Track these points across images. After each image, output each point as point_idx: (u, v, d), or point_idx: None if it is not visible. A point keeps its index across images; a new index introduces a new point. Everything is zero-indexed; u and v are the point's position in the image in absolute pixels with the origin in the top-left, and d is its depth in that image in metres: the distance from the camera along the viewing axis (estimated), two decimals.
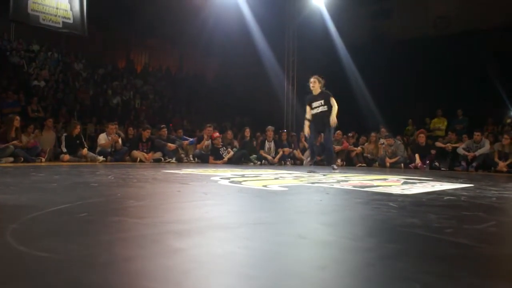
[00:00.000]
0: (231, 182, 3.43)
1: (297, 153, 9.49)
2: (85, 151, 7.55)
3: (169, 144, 8.45)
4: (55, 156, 7.54)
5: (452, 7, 12.72)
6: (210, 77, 18.17)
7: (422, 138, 8.89)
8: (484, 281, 0.97)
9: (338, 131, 9.26)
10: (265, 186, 3.15)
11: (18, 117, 6.99)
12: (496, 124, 10.52)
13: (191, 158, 8.77)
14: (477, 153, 8.01)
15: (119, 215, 1.75)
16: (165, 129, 8.78)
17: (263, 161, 8.85)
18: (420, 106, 11.83)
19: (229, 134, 9.48)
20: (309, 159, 5.97)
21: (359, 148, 9.68)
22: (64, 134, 7.72)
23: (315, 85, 5.76)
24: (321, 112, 5.72)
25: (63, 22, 8.96)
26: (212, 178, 3.84)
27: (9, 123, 6.78)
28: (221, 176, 4.09)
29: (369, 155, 9.49)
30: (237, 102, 15.28)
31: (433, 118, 10.92)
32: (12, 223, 1.41)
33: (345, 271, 1.03)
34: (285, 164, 8.95)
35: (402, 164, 8.60)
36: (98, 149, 7.95)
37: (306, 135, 6.23)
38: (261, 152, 9.01)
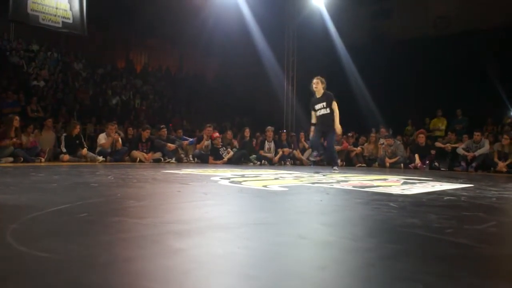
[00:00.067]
0: (231, 182, 3.43)
1: (297, 153, 9.49)
2: (84, 151, 7.54)
3: (169, 144, 8.45)
4: (55, 156, 7.54)
5: (452, 7, 12.72)
6: (210, 77, 18.17)
7: (421, 138, 8.90)
8: (484, 281, 0.97)
9: None
10: (265, 186, 3.15)
11: (17, 117, 6.99)
12: (496, 124, 10.53)
13: (191, 158, 8.76)
14: (477, 153, 8.02)
15: (119, 215, 1.75)
16: (165, 129, 8.78)
17: (263, 161, 8.85)
18: (420, 106, 11.82)
19: (229, 134, 9.49)
20: (315, 153, 5.91)
21: (358, 148, 9.68)
22: (64, 134, 7.72)
23: (318, 86, 5.76)
24: (323, 115, 5.71)
25: (62, 22, 8.95)
26: (212, 178, 3.84)
27: (9, 123, 6.78)
28: (221, 176, 4.09)
29: (368, 155, 9.50)
30: (237, 102, 15.29)
31: (433, 118, 10.92)
32: (12, 223, 1.41)
33: (345, 271, 1.03)
34: (284, 164, 8.95)
35: (402, 164, 8.61)
36: (98, 149, 7.94)
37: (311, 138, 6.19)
38: (261, 152, 9.01)
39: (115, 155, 7.86)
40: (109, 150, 7.93)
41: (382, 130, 10.13)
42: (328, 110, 5.67)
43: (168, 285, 0.89)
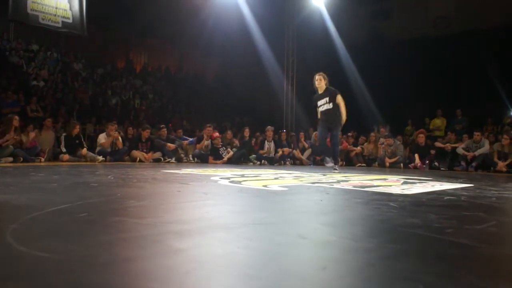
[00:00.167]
0: (231, 182, 3.43)
1: (297, 153, 9.49)
2: (84, 151, 7.54)
3: (169, 144, 8.45)
4: (55, 156, 7.53)
5: (452, 7, 12.74)
6: (210, 77, 18.18)
7: (421, 138, 8.90)
8: (484, 281, 0.97)
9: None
10: (265, 186, 3.15)
11: (17, 117, 6.98)
12: (496, 124, 10.53)
13: (191, 158, 8.76)
14: (477, 153, 8.02)
15: (119, 215, 1.75)
16: (165, 129, 8.78)
17: (263, 161, 8.85)
18: (420, 106, 11.84)
19: (229, 134, 9.49)
20: (328, 159, 5.90)
21: (358, 148, 9.68)
22: (64, 134, 7.72)
23: (321, 82, 5.75)
24: (326, 110, 5.71)
25: (62, 21, 8.95)
26: (212, 178, 3.84)
27: (8, 123, 6.78)
28: (221, 176, 4.09)
29: (367, 154, 9.51)
30: (237, 102, 15.29)
31: (433, 118, 10.93)
32: (12, 223, 1.41)
33: (345, 271, 1.03)
34: (284, 164, 8.96)
35: (402, 164, 8.61)
36: (98, 149, 7.95)
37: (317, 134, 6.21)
38: (261, 151, 9.01)
39: (115, 155, 7.86)
40: (109, 150, 7.93)
41: (382, 130, 10.14)
42: (331, 105, 5.67)
43: (168, 285, 0.89)
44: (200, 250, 1.18)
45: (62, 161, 7.18)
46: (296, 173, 5.31)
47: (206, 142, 8.73)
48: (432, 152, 8.76)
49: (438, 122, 10.75)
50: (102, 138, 8.04)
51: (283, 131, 9.91)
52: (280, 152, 9.05)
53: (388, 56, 12.17)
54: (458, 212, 2.07)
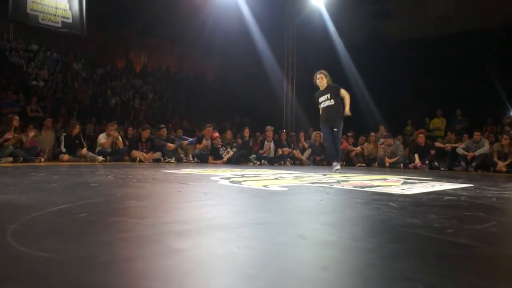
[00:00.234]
0: (231, 182, 3.43)
1: (297, 153, 9.49)
2: (84, 151, 7.54)
3: (169, 144, 8.45)
4: (54, 156, 7.53)
5: (452, 7, 12.73)
6: (210, 77, 18.18)
7: (421, 138, 8.90)
8: (484, 281, 0.97)
9: None
10: (265, 186, 3.15)
11: (17, 117, 6.99)
12: (496, 124, 10.53)
13: (191, 158, 8.76)
14: (477, 153, 8.02)
15: (119, 215, 1.75)
16: (165, 129, 8.78)
17: (263, 161, 8.85)
18: (420, 106, 11.84)
19: (229, 134, 9.49)
20: (335, 163, 5.81)
21: (358, 148, 9.68)
22: (63, 134, 7.71)
23: (322, 81, 5.76)
24: (327, 106, 5.70)
25: (62, 21, 8.95)
26: (212, 178, 3.84)
27: (8, 123, 6.78)
28: (221, 176, 4.09)
29: (367, 154, 9.51)
30: (237, 102, 15.29)
31: (433, 118, 10.92)
32: (12, 223, 1.41)
33: (345, 271, 1.03)
34: (284, 164, 8.95)
35: (402, 164, 8.61)
36: (98, 149, 7.95)
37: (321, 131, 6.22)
38: (260, 151, 9.01)
39: (114, 155, 7.86)
40: (109, 150, 7.93)
41: (382, 130, 10.14)
42: (332, 102, 5.66)
43: (168, 285, 0.89)
44: (200, 250, 1.18)
45: (62, 161, 7.17)
46: (296, 173, 5.31)
47: (206, 142, 8.73)
48: (432, 152, 8.76)
49: (438, 122, 10.75)
50: (102, 138, 8.04)
51: (283, 131, 9.91)
52: (280, 152, 9.04)
53: (388, 56, 12.16)
54: (458, 212, 2.07)
